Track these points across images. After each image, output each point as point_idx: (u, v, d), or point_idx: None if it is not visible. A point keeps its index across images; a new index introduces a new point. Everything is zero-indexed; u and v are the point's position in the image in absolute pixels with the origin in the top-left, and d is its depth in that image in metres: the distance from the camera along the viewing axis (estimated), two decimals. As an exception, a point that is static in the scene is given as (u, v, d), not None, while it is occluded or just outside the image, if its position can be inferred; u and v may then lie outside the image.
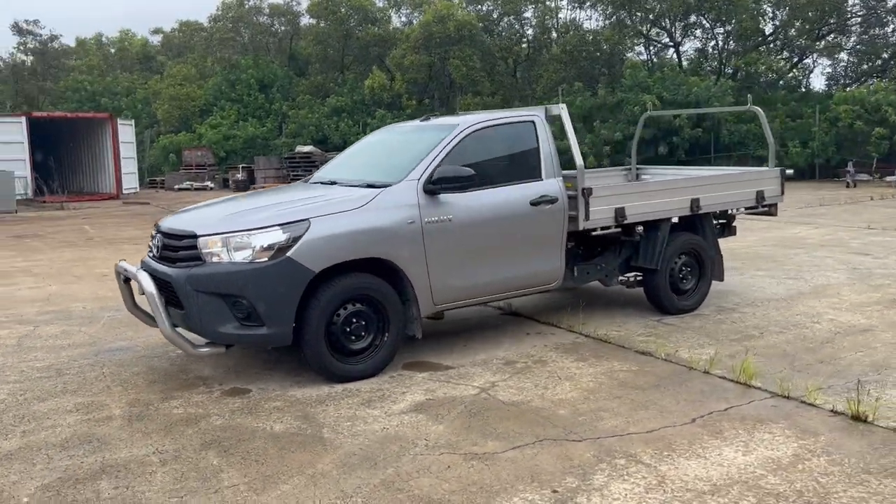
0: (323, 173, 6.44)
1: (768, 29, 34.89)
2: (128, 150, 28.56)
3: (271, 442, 4.08)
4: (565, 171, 6.07)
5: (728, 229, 7.59)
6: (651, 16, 35.25)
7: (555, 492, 3.45)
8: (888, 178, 24.29)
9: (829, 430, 4.12)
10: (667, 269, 6.65)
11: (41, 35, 50.67)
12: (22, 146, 25.12)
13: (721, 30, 35.92)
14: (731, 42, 35.23)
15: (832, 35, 34.79)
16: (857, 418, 4.24)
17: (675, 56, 36.70)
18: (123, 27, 70.75)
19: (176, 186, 32.63)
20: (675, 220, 6.75)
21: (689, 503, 3.32)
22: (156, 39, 55.93)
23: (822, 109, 28.03)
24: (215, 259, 4.78)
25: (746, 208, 7.31)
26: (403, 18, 43.00)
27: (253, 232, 4.77)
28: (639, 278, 6.78)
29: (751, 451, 3.86)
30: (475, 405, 4.59)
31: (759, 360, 5.36)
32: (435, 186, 5.28)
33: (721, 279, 7.16)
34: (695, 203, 6.67)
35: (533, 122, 6.01)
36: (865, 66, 35.96)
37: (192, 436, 4.18)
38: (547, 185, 5.88)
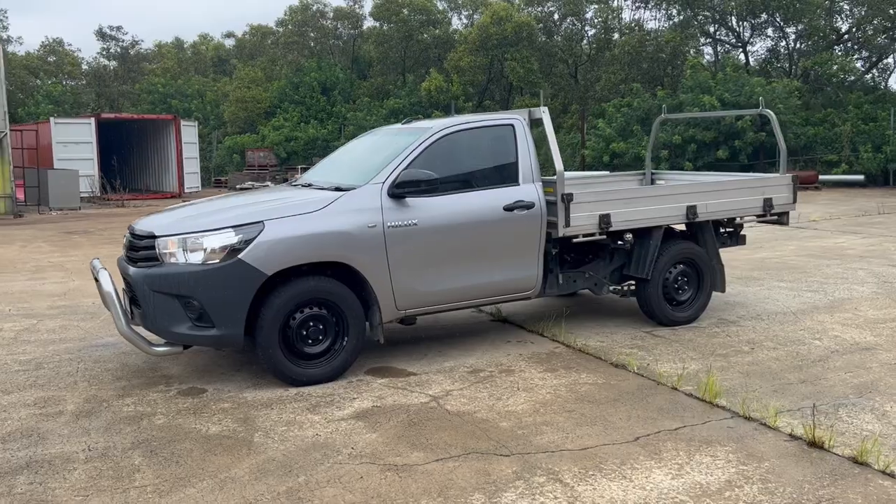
0: (307, 176, 6.46)
1: (843, 27, 33.36)
2: (190, 151, 29.49)
3: (200, 444, 4.10)
4: (569, 174, 5.88)
5: (736, 238, 7.23)
6: (717, 15, 34.21)
7: (457, 509, 3.34)
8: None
9: (778, 455, 3.86)
10: (660, 278, 6.38)
11: (123, 40, 53.14)
12: (90, 146, 26.27)
13: (792, 29, 34.58)
14: (801, 42, 33.85)
15: (914, 34, 32.98)
16: (814, 444, 3.96)
17: (742, 56, 35.50)
18: (202, 32, 73.32)
19: (238, 186, 33.46)
20: (679, 227, 6.47)
21: (590, 528, 3.16)
22: (230, 43, 57.69)
23: (897, 112, 26.60)
24: (172, 260, 4.84)
25: (758, 217, 6.96)
26: (464, 20, 43.06)
27: (206, 233, 4.81)
28: (632, 288, 6.56)
29: (682, 474, 3.65)
30: (419, 414, 4.50)
31: (736, 378, 5.09)
32: (399, 190, 5.21)
33: (722, 290, 6.84)
34: (691, 210, 6.38)
35: (512, 125, 5.87)
36: (950, 66, 33.95)
37: (129, 434, 4.24)
38: (523, 190, 5.73)
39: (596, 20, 38.19)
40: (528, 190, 5.75)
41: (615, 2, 37.84)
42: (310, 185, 5.88)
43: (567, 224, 5.85)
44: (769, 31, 35.77)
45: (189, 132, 29.47)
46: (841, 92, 31.49)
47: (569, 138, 33.29)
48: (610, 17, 37.47)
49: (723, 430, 4.22)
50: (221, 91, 43.82)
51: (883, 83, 35.18)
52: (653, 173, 8.59)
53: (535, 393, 4.87)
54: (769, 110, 7.18)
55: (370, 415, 4.51)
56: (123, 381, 5.23)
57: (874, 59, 34.51)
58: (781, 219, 7.08)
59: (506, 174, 5.77)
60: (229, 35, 56.31)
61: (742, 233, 7.28)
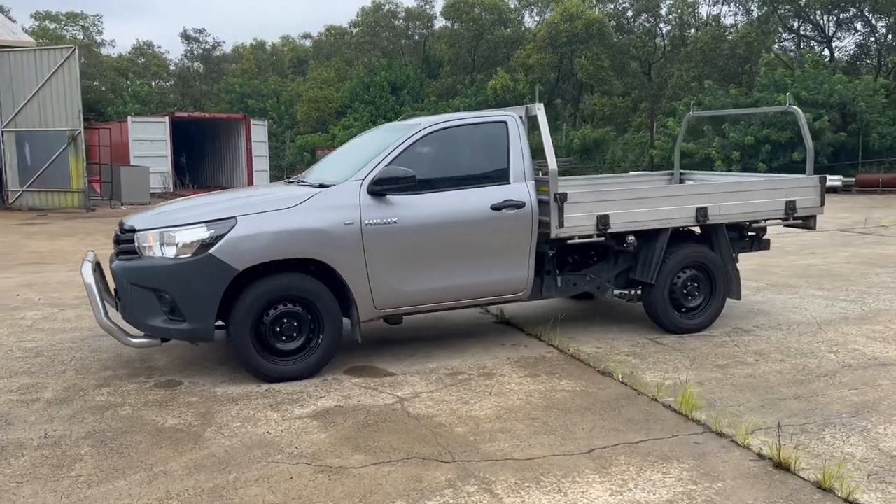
0: (305, 172, 6.47)
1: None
2: (260, 149, 30.28)
3: (151, 436, 4.13)
4: (572, 178, 5.69)
5: (759, 243, 6.83)
6: (800, 9, 32.68)
7: (372, 515, 3.25)
8: None
9: (736, 476, 3.59)
10: (666, 283, 6.09)
11: (206, 42, 55.21)
12: (164, 143, 27.35)
13: (883, 23, 32.70)
14: (893, 37, 31.95)
15: None
16: (780, 466, 3.66)
17: (826, 52, 33.80)
18: (283, 33, 75.28)
19: (306, 184, 34.18)
20: (696, 229, 6.15)
21: (501, 543, 3.01)
22: (308, 44, 59.03)
23: None
24: (149, 253, 4.92)
25: (783, 221, 6.54)
26: (537, 17, 42.65)
27: (180, 228, 4.86)
28: (639, 293, 6.28)
29: (623, 491, 3.44)
30: (378, 416, 4.42)
31: (726, 391, 4.79)
32: (378, 187, 5.14)
33: (738, 297, 6.46)
34: (701, 213, 6.05)
35: (505, 122, 5.70)
36: None
37: (89, 423, 4.32)
38: (514, 188, 5.56)
39: (671, 16, 37.15)
40: (519, 189, 5.57)
41: (691, -3, 36.76)
42: (301, 182, 5.88)
43: (561, 225, 5.64)
44: (858, 25, 33.98)
45: (259, 131, 30.27)
46: (933, 90, 29.58)
47: (637, 138, 32.51)
48: (685, 12, 36.37)
49: (688, 445, 3.96)
50: (295, 91, 44.84)
51: None
52: (681, 173, 8.23)
53: (506, 398, 4.71)
54: (797, 107, 6.74)
55: (329, 414, 4.45)
56: (109, 371, 5.36)
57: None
58: (808, 223, 6.65)
59: (496, 172, 5.61)
60: (306, 36, 57.65)
61: (766, 237, 6.87)
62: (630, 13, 38.18)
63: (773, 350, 5.71)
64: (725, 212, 6.18)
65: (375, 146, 5.60)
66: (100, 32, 59.25)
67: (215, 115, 32.05)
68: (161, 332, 4.91)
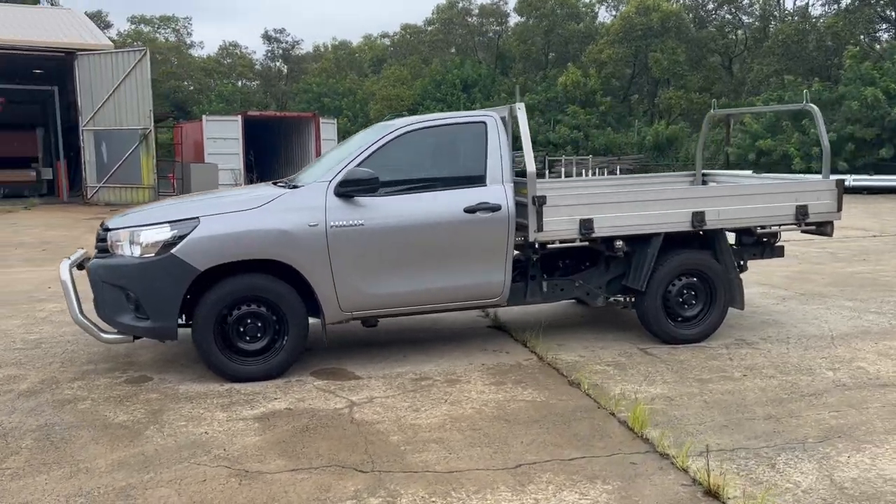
0: (298, 173, 6.49)
1: None
2: (329, 147, 30.87)
3: (95, 432, 4.23)
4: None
5: (771, 249, 6.43)
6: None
7: (261, 523, 3.21)
8: None
9: (659, 501, 3.37)
10: (658, 291, 5.80)
11: (286, 42, 56.73)
12: (237, 141, 28.21)
13: None
14: None
15: None
16: (709, 493, 3.41)
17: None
18: (366, 32, 76.50)
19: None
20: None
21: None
22: (386, 42, 59.76)
23: None
24: (119, 252, 5.04)
25: (798, 226, 6.14)
26: (613, 11, 41.69)
27: (145, 228, 4.97)
28: (633, 300, 6.02)
29: (528, 512, 3.28)
30: (321, 420, 4.38)
31: (694, 408, 4.52)
32: (343, 189, 5.10)
33: (741, 307, 6.08)
34: (698, 217, 5.73)
35: (484, 123, 5.55)
36: None
37: (45, 416, 4.47)
38: (490, 191, 5.40)
39: (753, 7, 35.59)
40: (496, 191, 5.41)
41: (776, -13, 35.10)
42: (288, 183, 5.90)
43: (540, 229, 5.45)
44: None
45: (328, 129, 30.83)
46: None
47: (713, 134, 31.30)
48: (769, 3, 34.77)
49: (623, 465, 3.75)
50: (369, 90, 45.44)
51: None
52: (704, 174, 7.84)
53: (459, 407, 4.59)
54: (813, 105, 6.29)
55: (274, 417, 4.45)
56: (91, 365, 5.54)
57: None
58: (823, 229, 6.21)
59: (473, 174, 5.47)
60: (384, 35, 58.34)
61: (779, 244, 6.46)
62: (711, 5, 36.81)
63: (768, 365, 5.36)
64: (726, 217, 5.83)
65: (353, 147, 5.56)
66: (189, 34, 61.84)
67: (286, 114, 32.87)
68: (129, 329, 5.03)
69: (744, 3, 35.31)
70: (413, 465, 3.77)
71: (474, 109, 34.84)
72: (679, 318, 5.93)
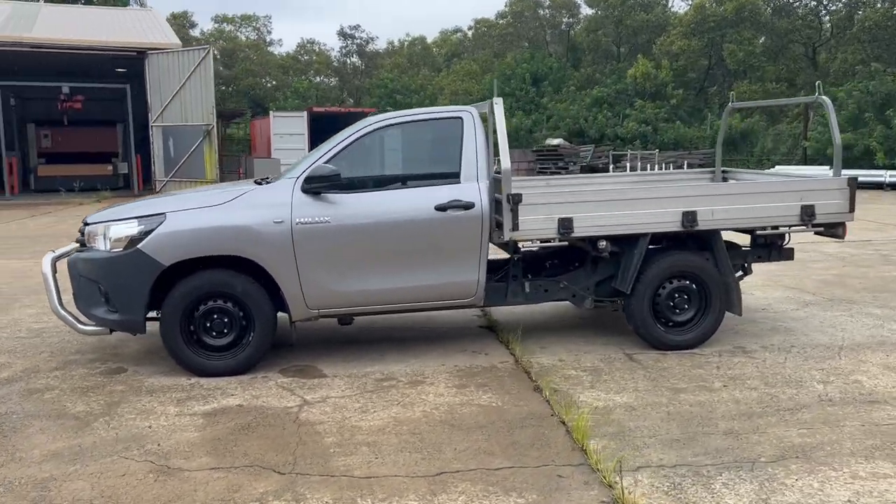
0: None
1: None
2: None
3: (48, 422, 4.35)
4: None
5: (778, 252, 6.03)
6: None
7: (156, 521, 3.21)
8: None
9: (565, 519, 3.19)
10: (645, 294, 5.53)
11: (360, 39, 57.48)
12: (302, 137, 28.79)
13: None
14: None
15: None
16: (622, 513, 3.21)
17: None
18: (442, 27, 76.72)
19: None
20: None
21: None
22: (459, 37, 59.71)
23: None
24: (93, 246, 5.17)
25: (813, 228, 5.74)
26: (688, 0, 40.30)
27: (115, 223, 5.07)
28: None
29: (425, 524, 3.16)
30: (266, 419, 4.37)
31: (652, 420, 4.28)
32: (309, 186, 5.07)
33: (738, 312, 5.72)
34: (688, 217, 5.42)
35: (461, 118, 5.41)
36: None
37: (10, 404, 4.62)
38: (463, 188, 5.26)
39: (840, -6, 33.73)
40: (469, 188, 5.27)
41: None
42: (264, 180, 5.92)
43: (515, 227, 5.27)
44: None
45: (392, 124, 31.07)
46: None
47: (790, 128, 29.86)
48: (856, -11, 32.85)
49: (549, 478, 3.57)
50: (438, 85, 45.51)
51: None
52: (724, 171, 7.44)
53: (409, 410, 4.49)
54: (826, 97, 5.83)
55: (223, 413, 4.47)
56: (78, 355, 5.71)
57: None
58: (834, 231, 5.77)
59: (447, 171, 5.35)
60: (457, 31, 58.30)
61: (788, 246, 6.05)
62: (793, -7, 35.09)
63: (756, 376, 5.02)
64: (720, 217, 5.49)
65: (329, 143, 5.53)
66: (269, 32, 63.44)
67: (350, 109, 33.27)
68: (101, 321, 5.15)
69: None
70: (334, 468, 3.70)
71: (543, 102, 33.92)
72: (670, 323, 5.64)
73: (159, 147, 22.82)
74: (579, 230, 5.36)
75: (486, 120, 5.56)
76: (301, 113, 29.36)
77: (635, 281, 5.50)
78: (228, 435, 4.14)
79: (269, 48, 60.66)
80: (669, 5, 39.31)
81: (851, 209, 5.66)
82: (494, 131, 5.39)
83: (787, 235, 5.95)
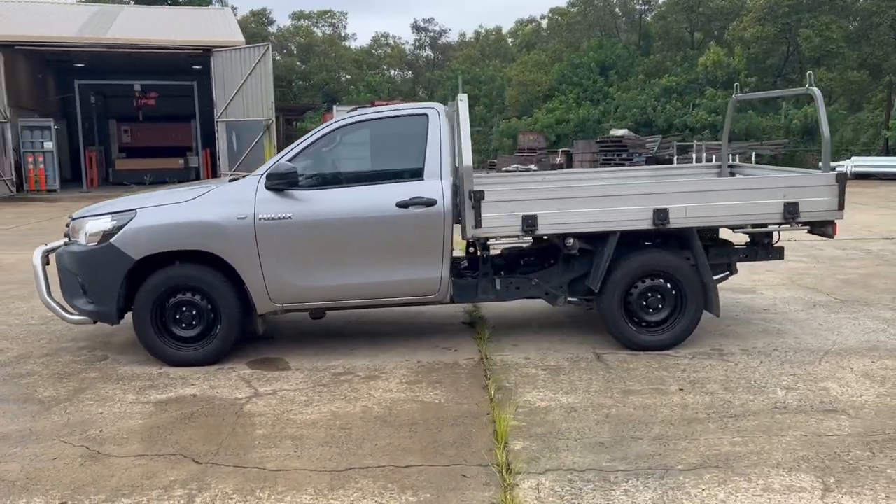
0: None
1: None
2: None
3: (12, 406, 4.63)
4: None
5: (766, 250, 5.78)
6: None
7: (63, 502, 3.40)
8: None
9: (446, 520, 3.19)
10: (615, 293, 5.41)
11: (433, 32, 57.72)
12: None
13: None
14: None
15: None
16: (505, 516, 3.18)
17: None
18: (518, 17, 76.05)
19: (503, 168, 34.49)
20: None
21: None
22: (532, 27, 59.10)
23: None
24: (76, 240, 5.46)
25: (793, 225, 5.48)
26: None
27: (91, 218, 5.33)
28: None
29: (308, 518, 3.22)
30: (211, 409, 4.52)
31: (586, 422, 4.21)
32: (270, 182, 5.19)
33: (716, 312, 5.51)
34: (660, 215, 5.26)
35: (426, 115, 5.42)
36: None
37: (-12, 389, 4.96)
38: (426, 185, 5.28)
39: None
40: (432, 186, 5.28)
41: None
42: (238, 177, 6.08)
43: (478, 225, 5.25)
44: None
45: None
46: None
47: (872, 117, 28.24)
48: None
49: (452, 477, 3.57)
50: (506, 76, 45.21)
51: None
52: (731, 167, 7.16)
53: (351, 404, 4.56)
54: (815, 89, 5.52)
55: (174, 402, 4.65)
56: (72, 342, 6.04)
57: None
58: (823, 230, 5.49)
59: (411, 168, 5.37)
60: (530, 21, 57.73)
61: (778, 245, 5.79)
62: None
63: (719, 380, 4.84)
64: (694, 214, 5.30)
65: (298, 140, 5.63)
66: (344, 27, 64.54)
67: (408, 102, 33.54)
68: (81, 311, 5.43)
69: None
70: (249, 460, 3.81)
71: (610, 92, 33.20)
72: (643, 323, 5.49)
73: (224, 141, 23.64)
74: (544, 227, 5.29)
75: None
76: (350, 108, 29.80)
77: (604, 279, 5.39)
78: (169, 424, 4.31)
79: (343, 43, 61.72)
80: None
81: (841, 207, 5.36)
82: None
83: (775, 234, 5.71)
